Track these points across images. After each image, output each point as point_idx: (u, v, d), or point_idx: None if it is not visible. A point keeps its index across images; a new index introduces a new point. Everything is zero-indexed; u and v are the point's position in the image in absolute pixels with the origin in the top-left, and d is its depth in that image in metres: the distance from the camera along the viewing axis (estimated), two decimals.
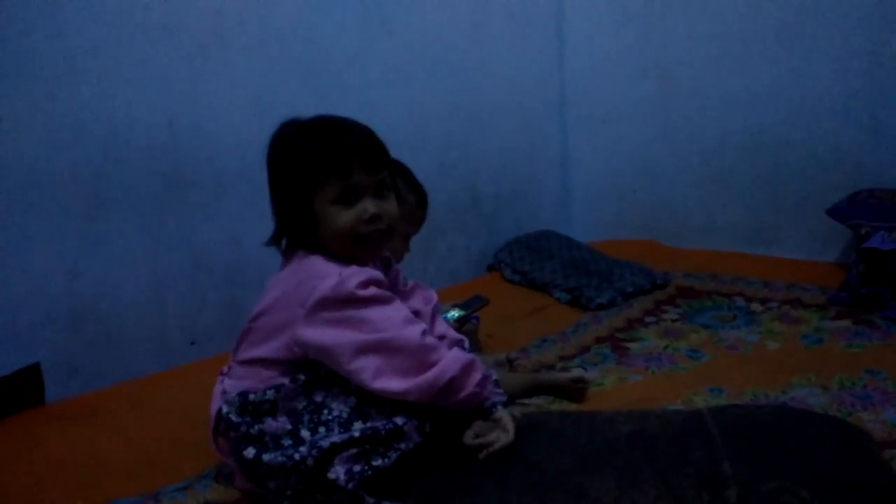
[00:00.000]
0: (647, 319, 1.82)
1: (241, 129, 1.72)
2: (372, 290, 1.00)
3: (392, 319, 0.99)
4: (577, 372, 1.43)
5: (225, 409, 1.01)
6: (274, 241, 1.10)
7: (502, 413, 1.00)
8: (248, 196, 1.70)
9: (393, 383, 0.96)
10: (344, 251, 1.05)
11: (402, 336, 0.98)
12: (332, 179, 1.03)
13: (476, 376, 0.99)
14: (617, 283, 2.03)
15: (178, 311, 1.62)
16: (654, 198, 2.58)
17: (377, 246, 1.09)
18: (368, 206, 1.04)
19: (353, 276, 1.00)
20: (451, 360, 0.98)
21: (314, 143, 1.05)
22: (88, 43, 1.47)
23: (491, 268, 2.42)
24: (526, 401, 1.38)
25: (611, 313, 1.89)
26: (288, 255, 1.09)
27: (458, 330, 1.52)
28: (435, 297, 1.23)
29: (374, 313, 0.99)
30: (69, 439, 1.25)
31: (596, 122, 2.68)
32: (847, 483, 0.81)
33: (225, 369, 1.10)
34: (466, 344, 1.17)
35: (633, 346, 1.64)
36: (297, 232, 1.07)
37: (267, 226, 1.11)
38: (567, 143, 2.74)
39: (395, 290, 1.14)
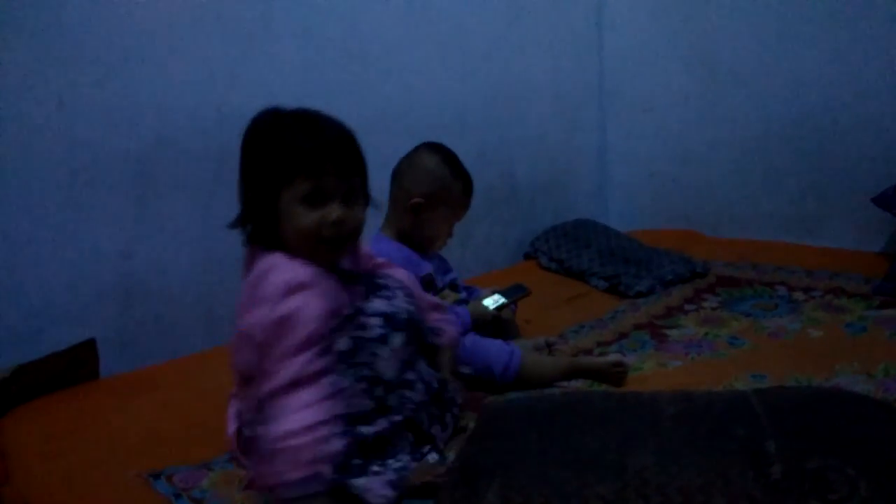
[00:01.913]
0: (687, 307, 1.81)
1: None
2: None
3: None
4: (615, 356, 1.43)
5: (248, 432, 1.01)
6: (237, 225, 1.06)
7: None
8: None
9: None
10: (303, 250, 1.02)
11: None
12: (302, 177, 1.00)
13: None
14: (656, 271, 2.02)
15: (226, 290, 1.66)
16: (694, 187, 2.56)
17: (338, 249, 1.05)
18: (335, 210, 1.01)
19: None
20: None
21: (290, 137, 1.02)
22: (142, 31, 1.52)
23: (527, 256, 2.42)
24: (565, 383, 1.40)
25: (649, 301, 1.88)
26: (250, 252, 1.06)
27: (496, 316, 1.54)
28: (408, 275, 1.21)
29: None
30: (123, 412, 1.30)
31: (635, 110, 2.66)
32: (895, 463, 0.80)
33: (234, 391, 1.07)
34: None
35: (672, 332, 1.64)
36: (259, 223, 1.04)
37: None
38: (605, 131, 2.73)
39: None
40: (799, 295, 1.83)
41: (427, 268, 1.51)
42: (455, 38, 2.18)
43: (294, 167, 1.00)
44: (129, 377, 1.44)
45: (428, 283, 1.50)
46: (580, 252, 2.22)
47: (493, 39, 2.30)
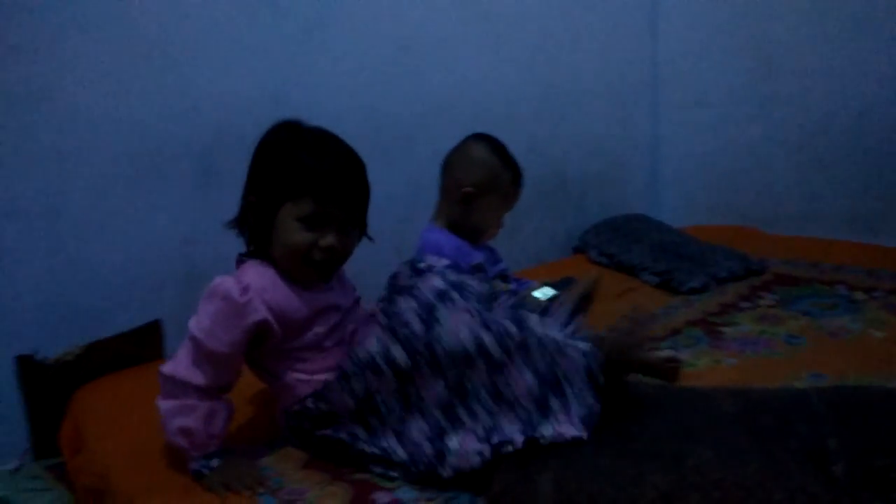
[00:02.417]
0: (742, 305, 1.78)
1: (339, 106, 1.78)
2: (234, 295, 1.01)
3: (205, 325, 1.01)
4: (668, 352, 1.42)
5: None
6: (232, 226, 1.12)
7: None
8: None
9: (167, 366, 1.04)
10: (288, 266, 1.06)
11: (192, 334, 1.02)
12: (308, 198, 1.03)
13: (172, 424, 1.01)
14: (710, 267, 1.99)
15: None
16: (750, 183, 2.50)
17: (322, 273, 1.09)
18: (330, 237, 1.05)
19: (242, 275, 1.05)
20: (170, 392, 1.03)
21: (306, 156, 1.04)
22: (202, 23, 1.56)
23: (577, 250, 2.41)
24: None
25: (703, 297, 1.85)
26: (239, 264, 1.11)
27: (546, 308, 1.54)
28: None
29: (205, 307, 1.02)
30: None
31: (689, 103, 2.61)
32: None
33: None
34: None
35: (727, 329, 1.61)
36: (253, 229, 1.09)
37: None
38: (658, 125, 2.69)
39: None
40: (860, 295, 1.78)
41: (478, 257, 1.52)
42: (507, 30, 2.18)
43: (303, 186, 1.03)
44: None
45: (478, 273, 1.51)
46: (631, 247, 2.20)
47: (545, 31, 2.29)
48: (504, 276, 1.60)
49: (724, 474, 0.80)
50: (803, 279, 1.93)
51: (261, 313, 1.02)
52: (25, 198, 1.38)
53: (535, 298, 1.54)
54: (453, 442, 0.97)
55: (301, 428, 1.10)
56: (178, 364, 1.03)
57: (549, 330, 1.06)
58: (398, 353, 1.00)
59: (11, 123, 1.34)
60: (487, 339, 0.97)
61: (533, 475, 0.85)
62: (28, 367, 1.38)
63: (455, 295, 1.06)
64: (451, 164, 1.53)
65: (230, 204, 1.64)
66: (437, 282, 1.09)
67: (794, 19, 2.32)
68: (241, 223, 1.12)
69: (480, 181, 1.48)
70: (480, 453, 0.95)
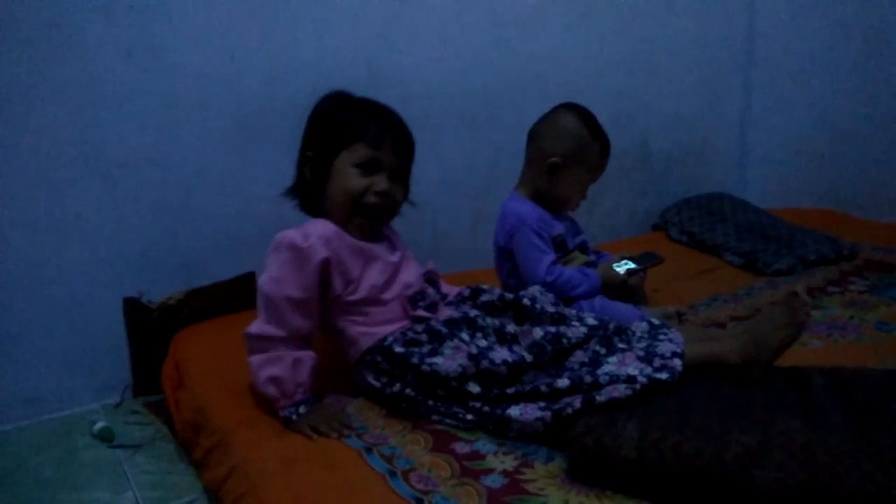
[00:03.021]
0: (831, 289, 1.72)
1: (429, 73, 1.82)
2: (298, 242, 1.08)
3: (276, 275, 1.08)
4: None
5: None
6: (289, 193, 1.21)
7: None
8: (428, 139, 1.80)
9: (250, 327, 1.11)
10: (342, 213, 1.14)
11: (264, 291, 1.08)
12: (362, 145, 1.12)
13: (261, 375, 1.07)
14: (798, 249, 1.93)
15: None
16: (845, 165, 2.39)
17: (374, 219, 1.15)
18: (383, 181, 1.13)
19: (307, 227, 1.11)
20: (256, 348, 1.09)
21: (358, 110, 1.16)
22: None
23: (656, 227, 2.38)
24: None
25: (790, 280, 1.80)
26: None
27: (624, 281, 1.54)
28: (423, 271, 1.26)
29: (274, 260, 1.09)
30: None
31: (785, 79, 2.50)
32: None
33: None
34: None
35: (815, 313, 1.56)
36: (309, 186, 1.17)
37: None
38: (750, 101, 2.59)
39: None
40: None
41: (559, 228, 1.53)
42: (598, 1, 2.14)
43: (357, 134, 1.13)
44: None
45: (560, 244, 1.52)
46: (714, 226, 2.15)
47: (637, 1, 2.24)
48: (584, 248, 1.60)
49: (813, 440, 0.79)
50: None
51: (322, 252, 1.09)
52: (137, 150, 1.47)
53: (615, 271, 1.54)
54: (515, 411, 1.01)
55: (370, 382, 1.15)
56: (259, 322, 1.11)
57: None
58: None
59: (124, 80, 1.44)
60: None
61: (618, 419, 0.87)
62: (134, 308, 1.49)
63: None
64: (540, 132, 1.53)
65: None
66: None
67: None
68: (298, 187, 1.21)
69: (568, 151, 1.48)
70: (542, 419, 0.99)
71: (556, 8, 2.05)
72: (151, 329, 1.48)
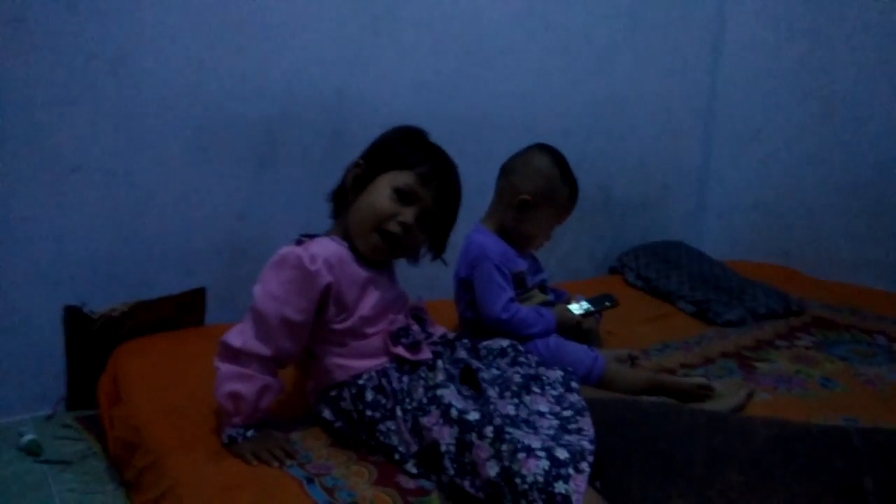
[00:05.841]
0: (778, 343, 1.76)
1: (400, 103, 1.81)
2: (306, 263, 1.04)
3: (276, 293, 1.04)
4: (701, 379, 1.41)
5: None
6: (329, 197, 1.20)
7: None
8: None
9: (233, 337, 1.06)
10: (362, 227, 1.11)
11: (260, 308, 1.04)
12: (410, 174, 1.11)
13: (225, 386, 1.04)
14: (749, 302, 1.97)
15: None
16: (798, 224, 2.48)
17: (387, 247, 1.12)
18: (410, 214, 1.11)
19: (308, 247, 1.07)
20: (230, 357, 1.05)
21: (426, 145, 1.17)
22: (280, 8, 1.60)
23: (613, 270, 2.41)
24: (645, 398, 1.38)
25: (739, 331, 1.84)
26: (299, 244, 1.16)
27: (579, 322, 1.54)
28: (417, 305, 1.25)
29: (276, 277, 1.05)
30: None
31: (743, 138, 2.60)
32: None
33: None
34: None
35: (761, 365, 1.60)
36: (343, 192, 1.16)
37: None
38: (709, 156, 2.68)
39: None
40: None
41: (522, 264, 1.53)
42: (570, 45, 2.19)
43: (411, 163, 1.12)
44: (230, 328, 1.52)
45: (520, 281, 1.52)
46: (669, 273, 2.19)
47: (607, 51, 2.30)
48: (542, 288, 1.61)
49: (751, 500, 0.80)
50: (843, 324, 1.90)
51: (328, 278, 1.06)
52: (92, 155, 1.42)
53: (571, 312, 1.54)
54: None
55: (324, 416, 1.12)
56: (244, 334, 1.05)
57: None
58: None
59: (85, 82, 1.39)
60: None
61: None
62: (74, 317, 1.42)
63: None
64: (512, 169, 1.54)
65: (284, 186, 1.70)
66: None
67: (859, 65, 2.30)
68: (336, 192, 1.19)
69: (538, 190, 1.50)
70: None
71: (529, 48, 2.08)
72: (91, 340, 1.42)
